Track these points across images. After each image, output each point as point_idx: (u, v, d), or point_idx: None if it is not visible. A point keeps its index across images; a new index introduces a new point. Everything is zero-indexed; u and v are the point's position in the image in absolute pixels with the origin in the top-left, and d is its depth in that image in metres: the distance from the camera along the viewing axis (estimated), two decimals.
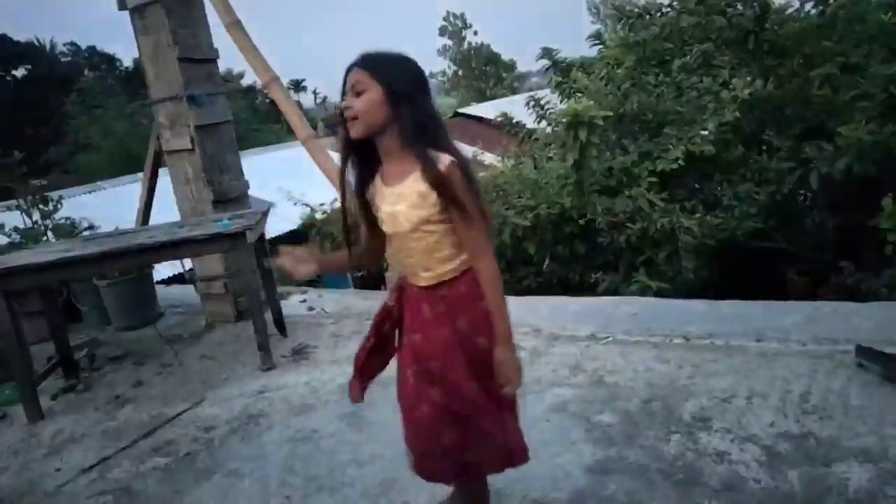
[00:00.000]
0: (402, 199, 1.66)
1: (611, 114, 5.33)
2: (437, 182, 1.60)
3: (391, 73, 1.64)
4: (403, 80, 1.64)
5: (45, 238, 4.97)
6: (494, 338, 1.70)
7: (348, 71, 1.66)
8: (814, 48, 5.43)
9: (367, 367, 1.96)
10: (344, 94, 1.68)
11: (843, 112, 4.93)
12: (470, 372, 1.72)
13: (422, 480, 1.95)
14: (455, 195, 1.61)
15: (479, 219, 1.67)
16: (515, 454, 1.86)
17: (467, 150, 8.13)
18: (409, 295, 1.82)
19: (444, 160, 1.60)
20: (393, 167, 1.70)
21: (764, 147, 5.58)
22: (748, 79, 5.31)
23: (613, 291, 4.94)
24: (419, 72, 1.69)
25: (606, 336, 3.56)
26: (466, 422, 1.75)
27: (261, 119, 28.32)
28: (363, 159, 1.75)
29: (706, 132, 5.24)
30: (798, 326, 3.32)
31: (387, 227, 1.74)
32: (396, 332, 1.91)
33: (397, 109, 1.62)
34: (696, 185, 5.73)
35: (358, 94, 1.62)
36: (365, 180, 1.77)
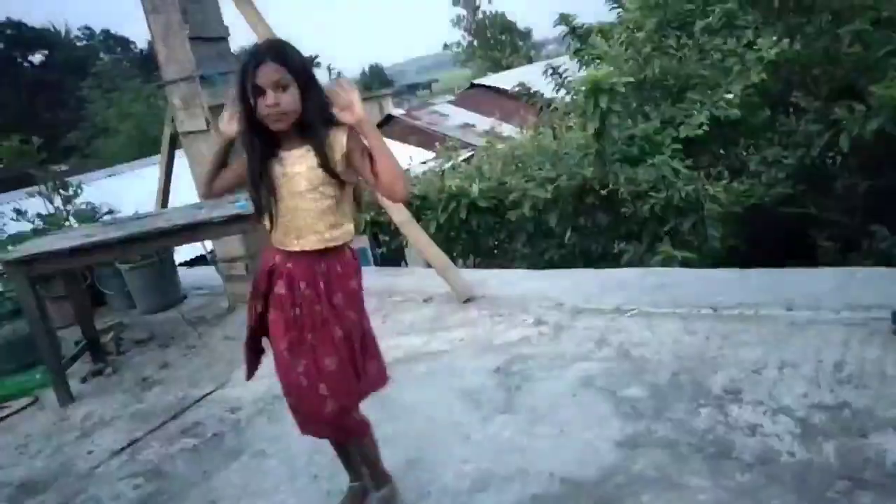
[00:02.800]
0: (302, 162, 1.81)
1: (632, 80, 5.20)
2: (327, 154, 1.78)
3: (299, 64, 1.77)
4: (306, 69, 1.79)
5: (66, 223, 5.00)
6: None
7: (259, 64, 1.72)
8: (843, 3, 5.22)
9: (254, 346, 2.14)
10: (252, 86, 1.74)
11: (876, 69, 4.75)
12: (336, 347, 1.89)
13: (447, 453, 1.95)
14: (362, 148, 1.79)
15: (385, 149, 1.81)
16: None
17: (485, 121, 8.03)
18: (283, 270, 1.91)
19: (341, 133, 1.80)
20: (289, 137, 1.83)
21: (791, 109, 5.41)
22: (774, 38, 5.14)
23: (637, 263, 4.85)
24: (308, 62, 1.86)
25: (632, 308, 3.50)
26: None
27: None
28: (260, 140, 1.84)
29: (731, 95, 5.10)
30: (830, 294, 3.22)
31: (281, 189, 1.84)
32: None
33: (306, 97, 1.77)
34: (722, 151, 5.59)
35: (283, 89, 1.73)
36: (261, 158, 1.85)
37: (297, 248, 1.88)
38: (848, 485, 1.96)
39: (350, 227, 1.93)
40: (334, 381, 1.91)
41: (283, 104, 1.73)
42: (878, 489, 1.93)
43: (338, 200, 1.87)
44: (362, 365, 1.98)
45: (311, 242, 1.86)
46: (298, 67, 1.75)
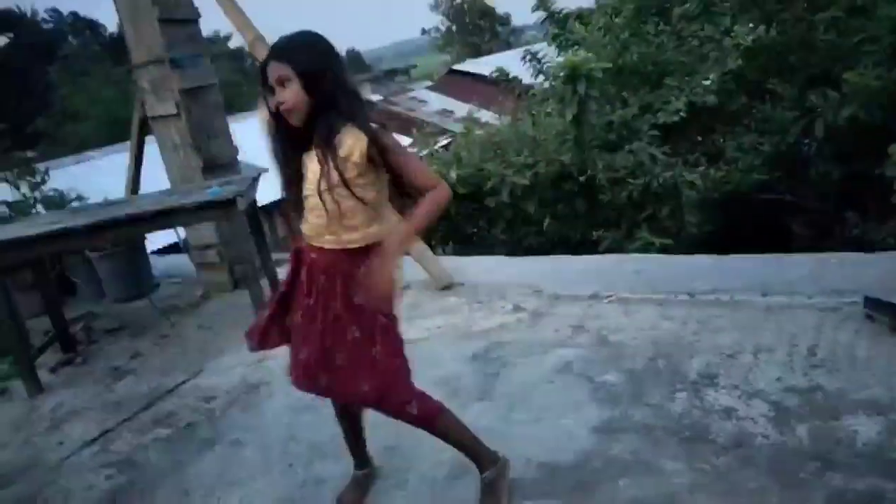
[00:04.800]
0: (314, 161, 1.78)
1: (610, 65, 5.19)
2: (332, 159, 1.73)
3: (305, 58, 1.73)
4: (316, 62, 1.74)
5: (34, 211, 4.87)
6: (387, 244, 1.78)
7: (266, 62, 1.75)
8: None
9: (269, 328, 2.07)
10: (268, 87, 1.76)
11: (850, 57, 4.79)
12: (348, 346, 1.85)
13: (424, 441, 2.00)
14: (389, 155, 1.75)
15: (414, 161, 1.86)
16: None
17: (462, 107, 7.98)
18: (307, 259, 1.90)
19: (354, 135, 1.72)
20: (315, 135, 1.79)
21: (767, 96, 5.45)
22: (751, 25, 5.16)
23: (616, 249, 4.87)
24: (328, 48, 1.79)
25: (609, 295, 3.51)
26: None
27: (250, 82, 27.85)
28: (293, 135, 1.82)
29: (708, 82, 5.11)
30: (804, 279, 3.26)
31: (306, 184, 1.82)
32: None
33: (313, 91, 1.73)
34: (699, 138, 5.62)
35: (284, 86, 1.73)
36: (291, 149, 1.85)
37: (316, 245, 1.87)
38: (819, 466, 1.99)
39: (378, 228, 1.83)
40: (342, 376, 1.88)
41: (285, 100, 1.73)
42: (848, 469, 1.96)
43: (355, 204, 1.78)
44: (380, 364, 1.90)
45: (328, 242, 1.84)
46: (302, 64, 1.72)
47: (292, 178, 1.86)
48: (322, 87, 1.73)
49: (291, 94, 1.72)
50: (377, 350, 1.86)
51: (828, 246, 4.62)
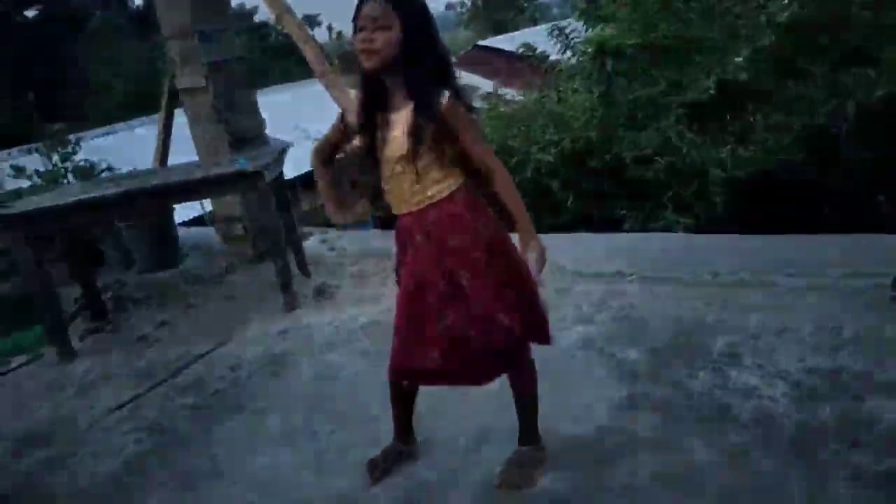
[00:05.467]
0: (398, 126, 1.76)
1: (638, 41, 5.10)
2: (439, 118, 1.72)
3: (410, 8, 1.68)
4: (418, 17, 1.70)
5: (65, 181, 4.95)
6: (519, 229, 1.83)
7: (364, 1, 1.67)
8: None
9: None
10: (357, 21, 1.69)
11: (886, 35, 4.65)
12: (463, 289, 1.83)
13: (446, 410, 2.08)
14: (456, 127, 1.75)
15: (482, 140, 1.89)
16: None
17: (487, 84, 7.91)
18: (400, 225, 1.92)
19: (444, 98, 1.71)
20: (397, 96, 1.78)
21: (798, 75, 5.31)
22: (785, 1, 5.01)
23: (640, 228, 4.83)
24: (426, 7, 1.75)
25: (632, 273, 3.49)
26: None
27: (276, 56, 27.83)
28: (373, 92, 1.81)
29: (739, 59, 4.99)
30: (832, 260, 3.21)
31: (386, 152, 1.80)
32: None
33: (411, 47, 1.68)
34: (728, 117, 5.51)
35: (380, 28, 1.66)
36: (372, 112, 1.82)
37: (404, 210, 1.87)
38: (842, 446, 1.98)
39: (455, 176, 1.84)
40: (449, 336, 1.86)
41: (375, 42, 1.66)
42: (872, 450, 1.95)
43: (434, 159, 1.79)
44: (515, 304, 1.88)
45: (415, 205, 1.84)
46: (405, 9, 1.67)
47: (371, 137, 1.83)
48: (418, 42, 1.69)
49: (385, 39, 1.66)
50: (490, 282, 1.85)
51: (857, 228, 4.54)
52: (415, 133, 1.72)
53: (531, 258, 1.81)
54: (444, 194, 1.83)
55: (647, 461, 2.06)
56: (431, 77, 1.72)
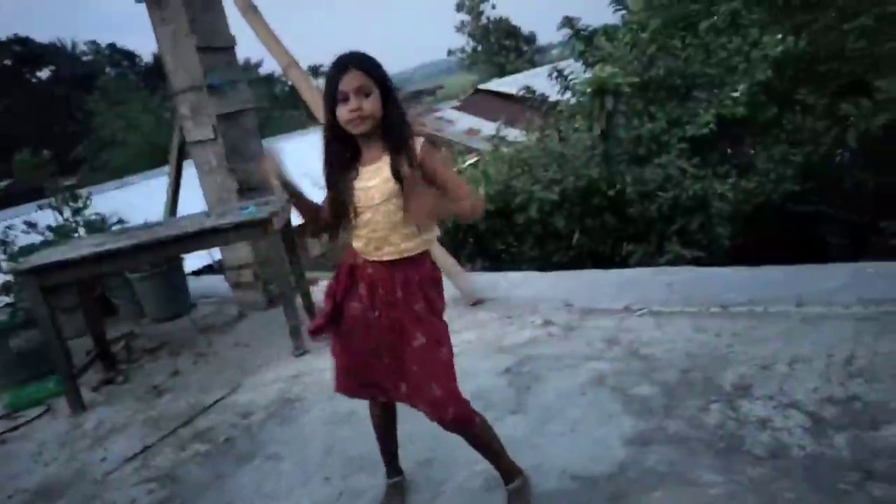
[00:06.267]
0: (377, 175, 1.87)
1: (637, 80, 5.21)
2: (418, 162, 1.85)
3: (381, 73, 1.83)
4: (387, 79, 1.85)
5: (76, 234, 5.04)
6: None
7: (343, 72, 1.79)
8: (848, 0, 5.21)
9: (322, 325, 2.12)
10: (338, 94, 1.80)
11: (882, 65, 4.73)
12: (416, 352, 1.93)
13: (459, 454, 2.07)
14: (434, 166, 1.89)
15: (456, 176, 2.02)
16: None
17: (489, 126, 8.04)
18: (364, 273, 1.97)
19: (418, 143, 1.88)
20: (369, 151, 1.90)
21: (798, 107, 5.40)
22: (779, 36, 5.13)
23: (646, 263, 4.85)
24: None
25: (641, 308, 3.49)
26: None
27: (281, 106, 28.43)
28: (338, 151, 1.92)
29: (737, 94, 5.08)
30: (840, 289, 3.21)
31: (358, 203, 1.89)
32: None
33: (387, 106, 1.84)
34: (729, 150, 5.57)
35: (365, 95, 1.80)
36: (340, 167, 1.92)
37: (376, 259, 1.94)
38: (860, 476, 1.95)
39: (429, 235, 1.96)
40: (415, 380, 1.95)
41: (364, 109, 1.79)
42: (890, 480, 1.92)
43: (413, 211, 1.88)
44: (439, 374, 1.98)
45: (388, 254, 1.92)
46: (380, 76, 1.82)
47: (347, 196, 1.90)
48: (391, 102, 1.84)
49: (371, 104, 1.80)
50: (444, 352, 1.97)
51: (864, 256, 4.54)
52: (397, 177, 1.84)
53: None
54: (414, 253, 1.93)
55: (664, 496, 2.03)
56: (403, 128, 1.87)
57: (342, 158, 1.90)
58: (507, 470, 2.10)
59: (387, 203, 1.86)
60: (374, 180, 1.87)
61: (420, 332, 1.93)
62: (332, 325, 2.08)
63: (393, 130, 1.86)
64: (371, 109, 1.80)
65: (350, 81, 1.78)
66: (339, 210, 1.94)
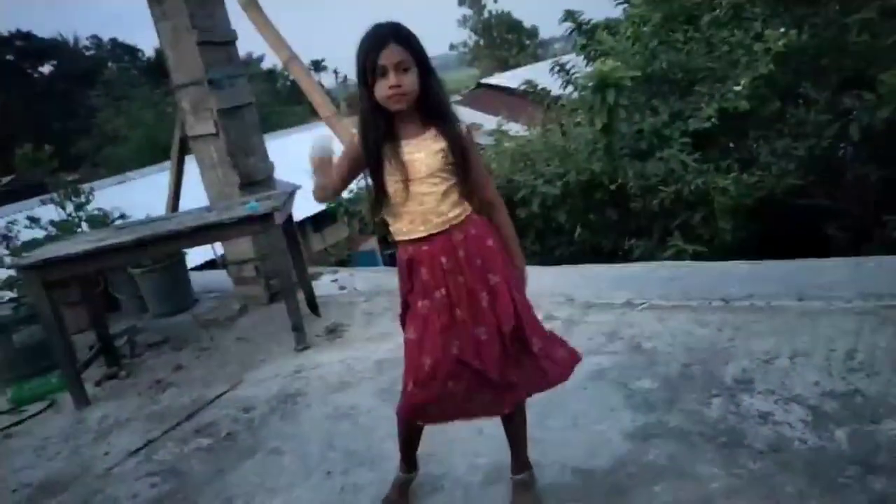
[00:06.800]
0: (421, 149, 1.83)
1: (639, 74, 5.19)
2: (461, 142, 1.85)
3: (419, 47, 1.77)
4: (425, 54, 1.78)
5: (79, 229, 5.05)
6: (517, 260, 2.04)
7: (383, 45, 1.71)
8: None
9: None
10: (377, 68, 1.72)
11: (884, 58, 4.70)
12: (485, 314, 1.88)
13: (460, 447, 2.06)
14: (471, 152, 1.89)
15: (482, 163, 2.00)
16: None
17: (491, 120, 8.03)
18: (421, 255, 1.89)
19: (463, 125, 1.88)
20: (409, 126, 1.85)
21: (801, 100, 5.37)
22: (782, 30, 5.10)
23: (648, 257, 4.83)
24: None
25: (643, 302, 3.49)
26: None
27: (282, 101, 28.44)
28: (377, 126, 1.84)
29: (739, 87, 5.05)
30: (842, 283, 3.21)
31: (404, 175, 1.83)
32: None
33: (426, 82, 1.79)
34: (731, 144, 5.55)
35: (404, 71, 1.73)
36: (380, 142, 1.84)
37: (424, 234, 1.87)
38: (860, 470, 1.96)
39: (466, 206, 1.93)
40: (488, 351, 1.88)
41: (405, 85, 1.73)
42: (891, 473, 1.92)
43: (454, 182, 1.88)
44: (526, 336, 1.94)
45: (436, 226, 1.87)
46: (419, 50, 1.76)
47: (400, 172, 1.83)
48: (430, 78, 1.80)
49: (410, 80, 1.74)
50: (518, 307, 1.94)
51: (867, 250, 4.52)
52: (452, 148, 1.82)
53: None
54: (463, 217, 1.90)
55: (665, 490, 2.04)
56: (446, 105, 1.85)
57: (382, 132, 1.83)
58: (525, 460, 2.11)
59: (433, 175, 1.83)
60: (420, 153, 1.82)
61: (485, 292, 1.87)
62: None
63: (435, 106, 1.83)
64: (411, 86, 1.75)
65: (390, 56, 1.71)
66: (379, 187, 1.87)
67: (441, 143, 1.83)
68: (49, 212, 5.22)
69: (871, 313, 2.87)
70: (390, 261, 7.67)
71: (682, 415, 2.41)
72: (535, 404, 2.65)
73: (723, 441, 2.22)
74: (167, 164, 5.97)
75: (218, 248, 4.99)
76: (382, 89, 1.74)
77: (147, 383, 3.80)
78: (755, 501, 1.92)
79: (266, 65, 32.73)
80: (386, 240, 6.68)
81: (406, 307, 1.97)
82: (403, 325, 1.99)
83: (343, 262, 10.97)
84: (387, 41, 1.71)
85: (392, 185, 1.84)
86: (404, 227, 1.90)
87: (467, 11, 34.46)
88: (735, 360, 2.72)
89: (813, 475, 1.98)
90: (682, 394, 2.55)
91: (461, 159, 1.85)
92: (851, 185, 5.23)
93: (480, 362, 1.86)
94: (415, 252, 1.90)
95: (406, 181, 1.82)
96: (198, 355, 4.09)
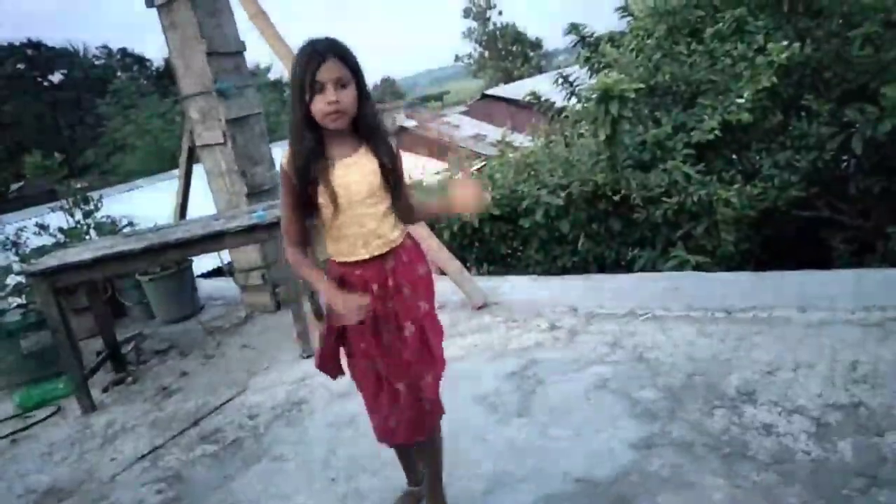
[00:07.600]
0: (357, 169, 1.79)
1: (642, 86, 5.22)
2: (394, 160, 1.82)
3: (356, 63, 1.72)
4: (362, 71, 1.74)
5: (87, 237, 5.10)
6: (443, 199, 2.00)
7: (322, 60, 1.66)
8: (853, 6, 5.21)
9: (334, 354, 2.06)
10: (315, 83, 1.67)
11: (887, 71, 4.73)
12: (408, 341, 1.91)
13: (463, 454, 1.98)
14: (401, 165, 1.86)
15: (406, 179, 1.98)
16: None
17: (495, 131, 8.08)
18: (353, 278, 1.87)
19: (392, 140, 1.84)
20: (342, 145, 1.80)
21: (803, 113, 5.39)
22: (784, 43, 5.13)
23: (651, 268, 4.85)
24: None
25: (645, 312, 3.51)
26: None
27: (290, 111, 28.54)
28: (308, 145, 1.77)
29: (742, 100, 5.08)
30: (845, 295, 3.22)
31: (340, 199, 1.77)
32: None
33: (362, 99, 1.75)
34: (734, 156, 5.57)
35: (343, 87, 1.69)
36: (313, 162, 1.77)
37: (365, 256, 1.84)
38: (864, 482, 1.96)
39: (401, 225, 1.93)
40: (414, 374, 1.92)
41: (343, 101, 1.68)
42: (895, 485, 1.92)
43: (389, 203, 1.85)
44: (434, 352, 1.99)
45: (377, 248, 1.84)
46: (357, 68, 1.72)
47: (330, 195, 1.77)
48: (366, 94, 1.76)
49: (349, 96, 1.70)
50: (432, 341, 1.97)
51: (869, 262, 4.53)
52: (384, 172, 1.79)
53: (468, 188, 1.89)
54: (401, 241, 1.90)
55: (667, 501, 2.05)
56: (377, 121, 1.82)
57: (312, 147, 1.74)
58: (439, 492, 2.14)
59: (373, 196, 1.79)
60: (355, 175, 1.77)
61: (410, 321, 1.90)
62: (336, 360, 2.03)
63: (370, 124, 1.78)
64: (350, 103, 1.70)
65: (328, 72, 1.65)
66: (308, 210, 1.82)
67: (375, 163, 1.79)
68: (58, 219, 5.28)
69: (875, 325, 2.88)
70: None
71: (685, 425, 2.42)
72: (539, 413, 2.69)
73: (726, 452, 2.23)
74: (175, 172, 6.02)
75: (225, 256, 5.03)
76: (321, 105, 1.68)
77: (153, 390, 3.82)
78: None
79: (274, 75, 32.93)
80: None
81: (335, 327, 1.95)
82: (329, 333, 1.97)
83: None
84: (325, 56, 1.66)
85: (325, 206, 1.79)
86: (344, 249, 1.86)
87: (473, 23, 34.68)
88: (738, 371, 2.73)
89: (816, 487, 1.98)
90: (685, 404, 2.56)
91: (395, 176, 1.83)
92: (854, 197, 5.24)
93: (406, 386, 1.93)
94: (346, 273, 1.88)
95: (338, 203, 1.77)
96: (204, 362, 4.12)
